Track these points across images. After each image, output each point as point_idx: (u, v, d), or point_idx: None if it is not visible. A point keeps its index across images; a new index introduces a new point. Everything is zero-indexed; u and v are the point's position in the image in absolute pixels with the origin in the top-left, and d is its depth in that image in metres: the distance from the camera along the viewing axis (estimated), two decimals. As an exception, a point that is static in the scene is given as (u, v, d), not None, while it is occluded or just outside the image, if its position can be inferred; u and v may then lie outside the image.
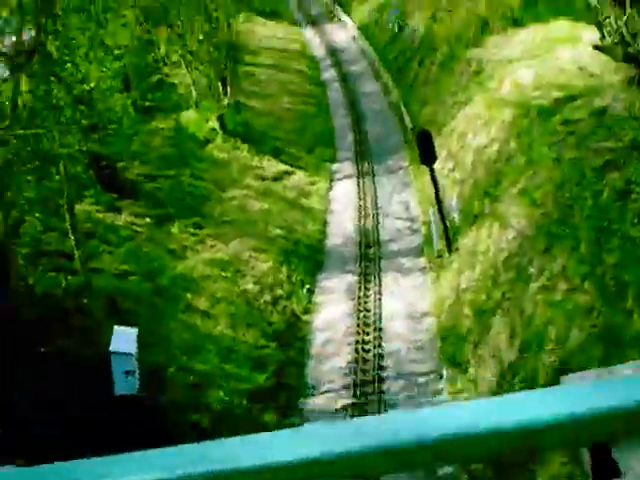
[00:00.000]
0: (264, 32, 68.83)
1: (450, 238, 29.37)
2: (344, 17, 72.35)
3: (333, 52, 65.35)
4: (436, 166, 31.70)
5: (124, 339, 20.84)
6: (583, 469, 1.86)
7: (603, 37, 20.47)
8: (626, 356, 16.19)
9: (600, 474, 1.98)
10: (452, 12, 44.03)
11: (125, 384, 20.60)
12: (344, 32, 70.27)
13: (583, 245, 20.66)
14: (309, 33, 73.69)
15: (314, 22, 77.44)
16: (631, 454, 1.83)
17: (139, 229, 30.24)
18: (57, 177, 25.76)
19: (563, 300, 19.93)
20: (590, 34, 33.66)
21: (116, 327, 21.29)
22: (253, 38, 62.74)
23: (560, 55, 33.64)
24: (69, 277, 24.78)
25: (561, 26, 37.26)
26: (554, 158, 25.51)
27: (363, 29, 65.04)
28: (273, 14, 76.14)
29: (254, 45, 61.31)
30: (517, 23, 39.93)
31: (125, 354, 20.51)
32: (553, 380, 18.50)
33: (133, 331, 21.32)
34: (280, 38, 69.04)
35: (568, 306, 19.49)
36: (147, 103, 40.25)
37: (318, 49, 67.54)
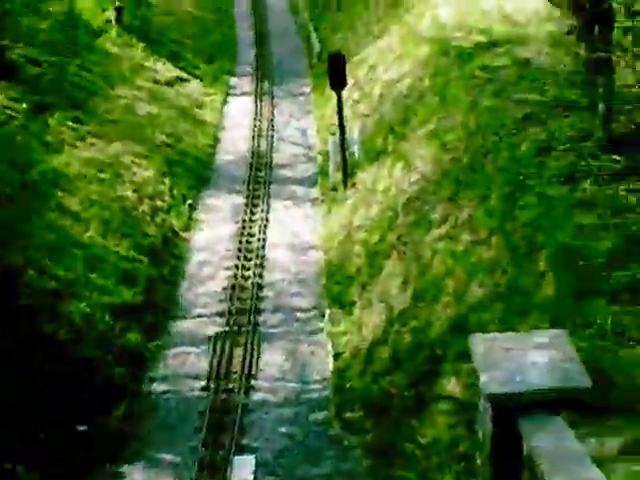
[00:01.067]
0: None
1: (348, 172, 27.78)
2: None
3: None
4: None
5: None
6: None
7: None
8: (529, 322, 15.04)
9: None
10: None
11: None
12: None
13: (493, 197, 19.36)
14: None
15: None
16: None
17: (13, 114, 27.48)
18: None
19: (466, 252, 18.65)
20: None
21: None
22: None
23: (486, 0, 32.21)
24: None
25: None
26: (470, 102, 24.11)
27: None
28: None
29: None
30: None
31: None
32: (446, 334, 17.28)
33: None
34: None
35: (471, 259, 18.22)
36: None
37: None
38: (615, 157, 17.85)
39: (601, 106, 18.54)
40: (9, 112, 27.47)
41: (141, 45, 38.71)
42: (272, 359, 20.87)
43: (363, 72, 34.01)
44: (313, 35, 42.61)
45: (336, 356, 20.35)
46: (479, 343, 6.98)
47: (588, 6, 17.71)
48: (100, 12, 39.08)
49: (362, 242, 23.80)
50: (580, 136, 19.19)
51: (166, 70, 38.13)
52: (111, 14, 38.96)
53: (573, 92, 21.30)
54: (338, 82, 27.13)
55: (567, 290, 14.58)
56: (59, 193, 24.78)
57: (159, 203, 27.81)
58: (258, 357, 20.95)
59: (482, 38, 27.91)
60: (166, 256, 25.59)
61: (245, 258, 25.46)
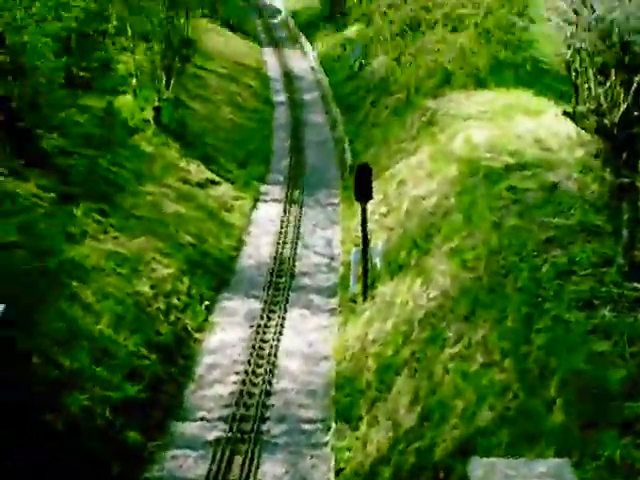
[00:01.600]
0: (224, 41, 67.11)
1: (368, 284, 27.43)
2: (307, 46, 70.99)
3: (289, 77, 63.90)
4: (368, 208, 29.77)
5: (-15, 314, 18.28)
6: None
7: (577, 104, 18.96)
8: (537, 449, 14.36)
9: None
10: (417, 59, 42.62)
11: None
12: (304, 60, 68.90)
13: (510, 319, 18.90)
14: (269, 53, 72.21)
15: (276, 44, 76.10)
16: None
17: (40, 203, 27.61)
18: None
19: (478, 373, 18.08)
20: (552, 108, 32.57)
21: (-21, 299, 18.70)
22: (211, 45, 60.74)
23: (518, 123, 32.37)
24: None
25: (524, 96, 36.14)
26: (494, 222, 23.87)
27: (324, 61, 63.58)
28: (237, 28, 74.57)
29: (210, 51, 59.30)
30: (480, 83, 38.69)
31: (-18, 330, 17.97)
32: (451, 457, 16.57)
33: (-2, 307, 18.75)
34: (239, 51, 67.32)
35: (482, 381, 17.64)
36: (82, 74, 37.67)
37: (274, 70, 66.03)
38: (636, 285, 17.38)
39: (625, 232, 18.18)
40: (36, 200, 27.62)
41: (176, 146, 39.13)
42: (272, 470, 20.19)
43: (392, 187, 34.00)
44: (347, 148, 42.91)
45: (338, 472, 19.65)
46: (478, 467, 6.52)
47: (615, 132, 17.53)
48: (139, 111, 39.70)
49: (375, 356, 23.27)
50: (602, 262, 18.82)
51: (198, 172, 38.40)
52: (149, 113, 39.57)
53: (598, 217, 21.03)
54: (363, 194, 27.04)
55: (577, 418, 13.94)
56: (74, 283, 24.58)
57: (175, 301, 27.52)
58: (257, 467, 20.26)
59: (512, 160, 27.91)
60: (176, 355, 25.15)
61: (256, 364, 24.97)
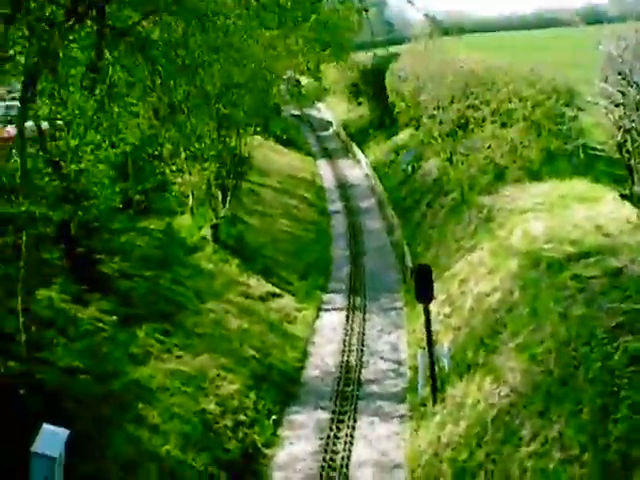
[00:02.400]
0: (277, 157, 68.26)
1: (437, 386, 26.77)
2: (360, 155, 71.83)
3: (343, 186, 64.53)
4: (432, 309, 29.29)
5: (50, 440, 18.11)
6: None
7: (633, 184, 18.60)
8: None
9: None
10: (468, 157, 42.65)
11: (42, 493, 17.78)
12: (358, 169, 69.66)
13: (585, 411, 18.16)
14: (323, 165, 73.22)
15: (330, 156, 77.15)
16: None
17: (103, 326, 27.76)
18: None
19: (557, 470, 17.30)
20: (609, 193, 32.12)
21: (45, 425, 18.55)
22: (265, 160, 61.76)
23: (576, 212, 31.90)
24: (10, 363, 22.16)
25: (579, 184, 35.73)
26: (561, 313, 23.26)
27: (377, 168, 64.18)
28: (290, 143, 75.90)
29: (265, 167, 60.31)
30: (534, 176, 38.42)
31: (47, 457, 17.75)
32: None
33: (62, 433, 18.56)
34: (292, 165, 68.39)
35: (562, 478, 16.85)
36: (139, 197, 38.34)
37: (329, 181, 66.80)
38: None
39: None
40: (98, 324, 27.77)
41: (235, 261, 39.33)
42: None
43: (454, 286, 33.55)
44: (406, 251, 42.73)
45: None
46: None
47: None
48: (196, 230, 40.18)
49: (449, 460, 22.50)
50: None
51: (259, 285, 38.45)
52: (207, 231, 39.99)
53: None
54: (424, 295, 26.66)
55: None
56: (140, 405, 24.44)
57: (242, 417, 27.14)
58: None
59: (573, 249, 27.37)
60: (245, 473, 24.64)
61: (328, 477, 24.34)
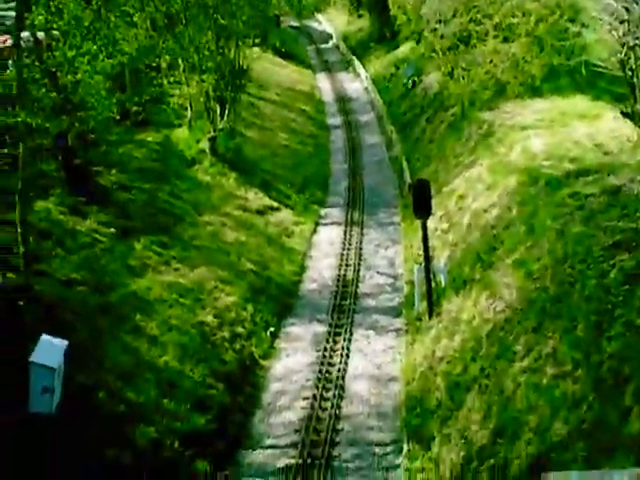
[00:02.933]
0: (276, 70, 67.39)
1: (433, 301, 26.96)
2: (360, 68, 70.92)
3: (342, 100, 63.82)
4: (430, 225, 29.31)
5: (49, 351, 18.30)
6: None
7: (635, 102, 18.39)
8: (615, 460, 13.80)
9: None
10: (470, 72, 42.16)
11: (41, 401, 18.01)
12: (357, 82, 68.82)
13: (580, 328, 18.33)
14: (322, 79, 72.31)
15: (329, 69, 76.20)
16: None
17: (100, 238, 27.79)
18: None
19: (550, 386, 17.53)
20: (610, 111, 31.90)
21: (43, 336, 18.72)
22: (264, 73, 61.00)
23: (576, 129, 31.75)
24: (8, 275, 22.24)
25: (581, 101, 35.45)
26: (558, 231, 23.30)
27: (377, 82, 63.42)
28: (290, 56, 74.82)
29: (264, 79, 59.58)
30: (536, 92, 38.07)
31: (46, 367, 17.95)
32: (525, 475, 16.03)
33: (61, 343, 18.74)
34: (292, 78, 67.56)
35: (555, 393, 17.08)
36: (136, 109, 37.96)
37: (328, 95, 66.04)
38: None
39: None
40: (96, 235, 27.80)
41: (233, 175, 39.17)
42: (343, 496, 19.83)
43: (452, 202, 33.53)
44: (405, 166, 42.56)
45: (411, 495, 19.21)
46: (552, 480, 6.13)
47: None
48: (194, 143, 39.90)
49: (444, 374, 22.78)
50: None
51: (256, 199, 38.37)
52: (205, 144, 39.73)
53: (665, 219, 20.34)
54: (422, 210, 26.63)
55: (655, 427, 13.37)
56: (138, 316, 24.63)
57: (240, 330, 27.39)
58: (329, 493, 19.94)
59: (572, 167, 27.32)
60: (243, 384, 24.96)
61: (324, 388, 24.66)
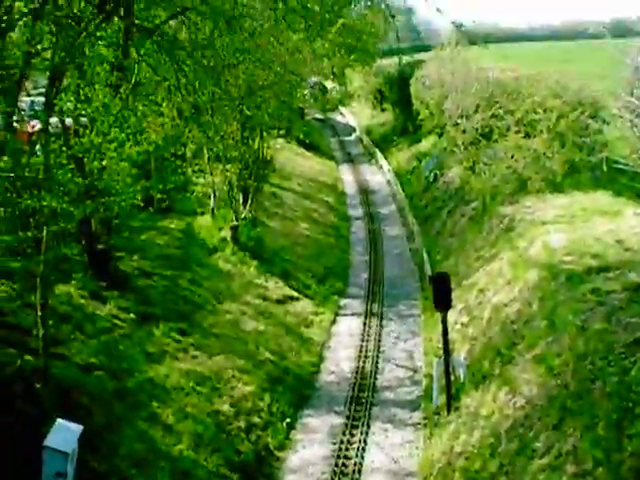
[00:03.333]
0: (299, 161, 68.31)
1: (452, 395, 26.67)
2: (382, 161, 71.76)
3: (364, 192, 64.45)
4: (450, 318, 29.18)
5: (64, 436, 18.16)
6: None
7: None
8: None
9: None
10: (491, 167, 42.51)
11: (53, 487, 17.82)
12: (380, 175, 69.56)
13: (601, 426, 18.03)
14: (345, 170, 73.15)
15: (352, 161, 77.13)
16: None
17: (120, 323, 27.84)
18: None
19: (569, 485, 17.19)
20: (631, 207, 31.95)
21: (59, 420, 18.62)
22: (287, 163, 61.92)
23: (597, 225, 31.74)
24: (26, 357, 22.24)
25: (602, 197, 35.57)
26: (579, 327, 23.11)
27: (399, 175, 64.07)
28: (313, 147, 75.86)
29: (287, 170, 60.41)
30: (557, 188, 38.26)
31: (60, 452, 17.80)
32: None
33: (76, 428, 18.62)
34: (315, 169, 68.39)
35: (575, 492, 16.76)
36: (160, 196, 38.37)
37: (350, 187, 66.73)
38: None
39: None
40: (116, 321, 27.86)
41: (254, 263, 39.36)
42: None
43: (473, 296, 33.43)
44: (425, 259, 42.63)
45: None
46: None
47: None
48: (217, 231, 40.24)
49: (462, 470, 22.39)
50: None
51: (277, 288, 38.44)
52: (227, 233, 40.05)
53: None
54: (442, 302, 26.55)
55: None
56: (154, 403, 24.49)
57: (256, 420, 27.13)
58: None
59: (593, 263, 27.21)
60: (257, 475, 24.62)
61: (339, 482, 24.30)
